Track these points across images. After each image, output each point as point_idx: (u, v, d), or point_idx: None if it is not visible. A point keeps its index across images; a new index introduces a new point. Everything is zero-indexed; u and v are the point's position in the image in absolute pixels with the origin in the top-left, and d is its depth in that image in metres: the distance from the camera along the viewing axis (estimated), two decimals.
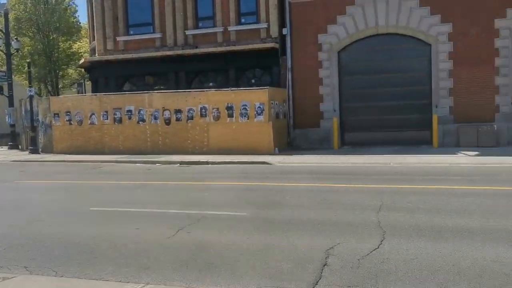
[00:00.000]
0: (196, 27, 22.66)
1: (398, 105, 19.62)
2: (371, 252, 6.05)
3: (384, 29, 19.52)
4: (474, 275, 5.19)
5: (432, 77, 19.19)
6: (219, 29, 22.07)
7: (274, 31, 21.14)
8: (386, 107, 19.73)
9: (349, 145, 20.03)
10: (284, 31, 20.70)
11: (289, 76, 20.58)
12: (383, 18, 19.36)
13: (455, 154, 16.37)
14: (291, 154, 17.85)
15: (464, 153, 16.34)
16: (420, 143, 19.11)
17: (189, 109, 19.52)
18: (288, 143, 20.56)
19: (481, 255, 5.83)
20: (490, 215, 7.72)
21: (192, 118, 19.51)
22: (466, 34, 18.56)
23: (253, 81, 22.23)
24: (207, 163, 16.65)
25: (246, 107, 18.64)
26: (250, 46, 21.05)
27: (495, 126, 17.97)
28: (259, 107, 18.44)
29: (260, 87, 19.17)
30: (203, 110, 19.32)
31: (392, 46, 19.63)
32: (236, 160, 16.59)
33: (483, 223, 7.23)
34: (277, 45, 20.87)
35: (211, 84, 22.54)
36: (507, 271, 5.27)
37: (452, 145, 18.42)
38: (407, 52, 19.61)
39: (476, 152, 16.29)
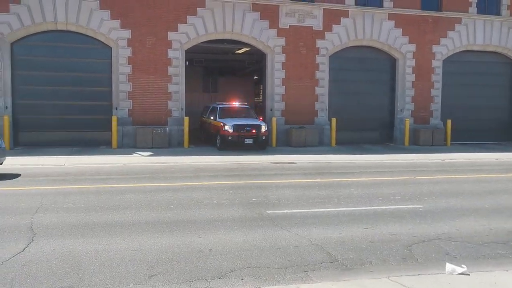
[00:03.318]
0: None
1: (79, 105, 19.33)
2: (14, 256, 5.75)
3: (64, 26, 18.91)
4: (118, 264, 5.54)
5: (113, 80, 19.67)
6: None
7: None
8: (66, 106, 19.16)
9: (24, 146, 18.54)
10: None
11: None
12: (63, 14, 18.70)
13: (131, 154, 17.21)
14: None
15: (139, 154, 17.36)
16: (100, 144, 19.31)
17: None
18: None
19: (126, 246, 6.27)
20: (145, 208, 8.39)
21: None
22: (144, 42, 19.78)
23: None
24: None
25: None
26: None
27: (168, 128, 19.76)
28: None
29: None
30: None
31: (73, 44, 19.20)
32: None
33: (137, 217, 7.81)
34: None
35: None
36: (143, 257, 5.83)
37: (130, 146, 19.27)
38: (89, 53, 19.52)
39: (150, 153, 17.55)
